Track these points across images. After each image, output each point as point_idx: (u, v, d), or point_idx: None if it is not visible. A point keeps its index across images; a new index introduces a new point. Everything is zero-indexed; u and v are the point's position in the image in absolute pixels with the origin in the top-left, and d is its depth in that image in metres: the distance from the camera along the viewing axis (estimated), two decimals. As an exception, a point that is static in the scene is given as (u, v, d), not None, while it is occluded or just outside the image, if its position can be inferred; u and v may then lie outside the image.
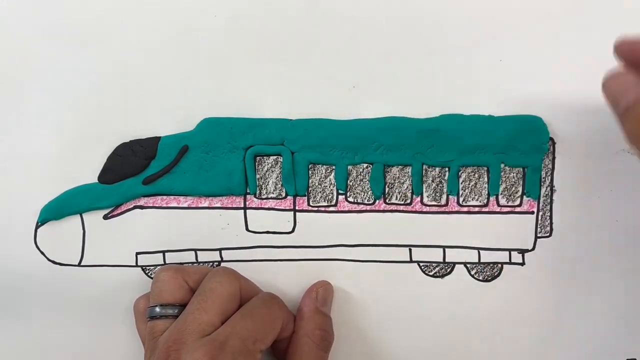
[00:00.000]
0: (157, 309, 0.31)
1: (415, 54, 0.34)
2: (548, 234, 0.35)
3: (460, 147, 0.34)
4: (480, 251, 0.35)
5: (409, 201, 0.35)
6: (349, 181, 0.35)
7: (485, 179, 0.35)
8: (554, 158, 0.34)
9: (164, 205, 0.35)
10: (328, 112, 0.34)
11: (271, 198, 0.35)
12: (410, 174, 0.35)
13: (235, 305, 0.31)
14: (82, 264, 0.35)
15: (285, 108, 0.35)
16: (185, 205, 0.35)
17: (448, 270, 0.35)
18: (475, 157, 0.34)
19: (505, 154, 0.34)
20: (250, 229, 0.35)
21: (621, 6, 0.33)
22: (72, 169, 0.35)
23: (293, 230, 0.35)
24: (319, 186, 0.35)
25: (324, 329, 0.33)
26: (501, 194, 0.35)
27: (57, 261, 0.36)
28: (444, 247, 0.35)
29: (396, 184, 0.35)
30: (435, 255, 0.35)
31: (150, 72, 0.34)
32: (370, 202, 0.35)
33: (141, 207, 0.35)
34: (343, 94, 0.34)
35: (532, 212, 0.35)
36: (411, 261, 0.35)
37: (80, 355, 0.37)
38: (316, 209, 0.35)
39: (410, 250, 0.35)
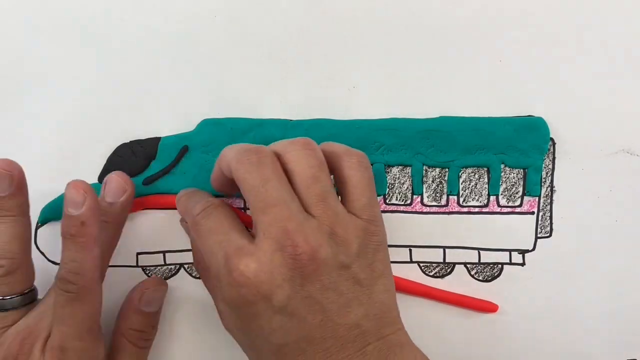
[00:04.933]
0: None
1: (415, 54, 0.34)
2: (548, 234, 0.35)
3: (461, 148, 0.34)
4: (480, 251, 0.35)
5: (409, 201, 0.35)
6: (349, 181, 0.35)
7: (486, 180, 0.35)
8: (554, 158, 0.34)
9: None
10: (328, 112, 0.34)
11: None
12: (410, 174, 0.35)
13: None
14: (82, 264, 0.35)
15: (285, 108, 0.35)
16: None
17: (448, 270, 0.35)
18: (475, 158, 0.34)
19: (505, 155, 0.34)
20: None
21: (621, 6, 0.33)
22: (72, 169, 0.35)
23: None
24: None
25: (139, 330, 0.33)
26: (501, 194, 0.35)
27: (57, 261, 0.35)
28: (444, 248, 0.35)
29: (396, 184, 0.35)
30: (436, 255, 0.35)
31: (150, 72, 0.34)
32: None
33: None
34: (343, 94, 0.35)
35: (532, 213, 0.35)
36: (411, 261, 0.35)
37: (80, 356, 0.37)
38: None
39: (410, 250, 0.35)
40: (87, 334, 0.30)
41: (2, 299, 0.30)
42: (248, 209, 0.35)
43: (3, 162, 0.29)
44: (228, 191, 0.32)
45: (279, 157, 0.28)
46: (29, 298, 0.31)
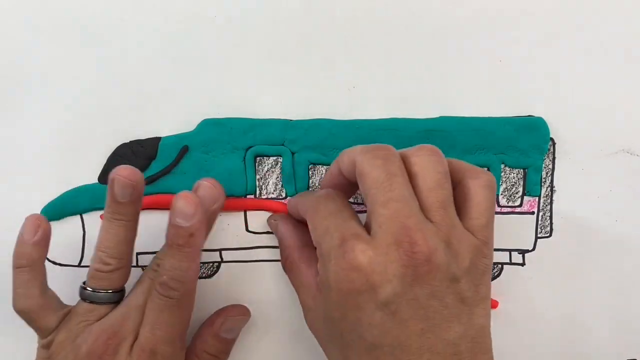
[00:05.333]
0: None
1: (415, 54, 0.34)
2: (548, 234, 0.35)
3: (461, 148, 0.34)
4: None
5: (409, 201, 0.35)
6: (349, 181, 0.35)
7: (486, 179, 0.35)
8: (554, 158, 0.34)
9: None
10: (328, 112, 0.34)
11: (271, 198, 0.35)
12: (410, 174, 0.35)
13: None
14: (82, 264, 0.35)
15: (285, 108, 0.35)
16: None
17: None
18: (475, 158, 0.34)
19: (505, 155, 0.34)
20: (250, 229, 0.35)
21: (621, 6, 0.33)
22: (72, 169, 0.35)
23: (293, 231, 0.35)
24: (319, 186, 0.35)
25: (213, 354, 0.33)
26: (501, 194, 0.35)
27: (57, 261, 0.36)
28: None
29: (396, 184, 0.35)
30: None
31: (150, 72, 0.34)
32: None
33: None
34: (343, 94, 0.35)
35: (532, 213, 0.35)
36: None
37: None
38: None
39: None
40: (177, 341, 0.30)
41: (100, 292, 0.31)
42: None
43: (128, 171, 0.29)
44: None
45: (404, 159, 0.28)
46: (119, 297, 0.31)
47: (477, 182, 0.28)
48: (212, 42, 0.34)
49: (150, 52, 0.34)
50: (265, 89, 0.34)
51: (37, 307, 0.31)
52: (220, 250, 0.35)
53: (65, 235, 0.35)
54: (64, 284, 0.36)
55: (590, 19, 0.34)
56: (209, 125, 0.34)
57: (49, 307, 0.31)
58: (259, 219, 0.35)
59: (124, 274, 0.31)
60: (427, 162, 0.28)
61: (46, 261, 0.35)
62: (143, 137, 0.35)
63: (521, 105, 0.34)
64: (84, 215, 0.35)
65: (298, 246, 0.32)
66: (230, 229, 0.35)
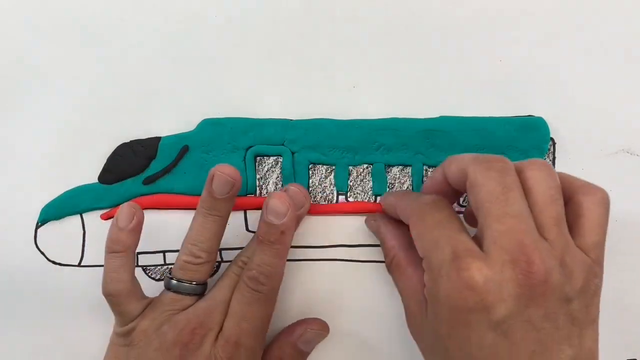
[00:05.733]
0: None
1: (415, 54, 0.34)
2: (548, 234, 0.35)
3: (461, 148, 0.34)
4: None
5: (409, 201, 0.35)
6: (349, 181, 0.35)
7: (486, 179, 0.35)
8: (554, 158, 0.34)
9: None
10: (328, 112, 0.34)
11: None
12: (410, 174, 0.35)
13: None
14: (82, 264, 0.35)
15: (285, 108, 0.35)
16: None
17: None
18: (475, 157, 0.34)
19: (505, 154, 0.34)
20: (250, 229, 0.35)
21: (621, 6, 0.33)
22: (72, 169, 0.35)
23: (293, 231, 0.35)
24: (319, 186, 0.35)
25: None
26: (501, 194, 0.35)
27: (57, 261, 0.36)
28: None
29: (396, 184, 0.35)
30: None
31: (150, 72, 0.34)
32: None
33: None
34: (343, 94, 0.35)
35: (532, 212, 0.35)
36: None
37: (80, 355, 0.36)
38: (316, 209, 0.35)
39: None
40: (260, 335, 0.31)
41: (186, 283, 0.32)
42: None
43: (229, 169, 0.31)
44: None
45: (517, 172, 0.27)
46: (202, 289, 0.32)
47: (591, 199, 0.27)
48: (212, 42, 0.34)
49: (150, 52, 0.34)
50: (265, 89, 0.34)
51: (125, 292, 0.31)
52: (220, 250, 0.35)
53: (65, 235, 0.35)
54: (64, 284, 0.36)
55: (590, 19, 0.34)
56: (209, 125, 0.34)
57: (135, 294, 0.32)
58: (259, 219, 0.35)
59: (210, 267, 0.32)
60: (542, 176, 0.27)
61: (45, 261, 0.35)
62: (143, 137, 0.35)
63: (521, 105, 0.34)
64: (84, 215, 0.35)
65: (404, 247, 0.32)
66: (230, 229, 0.35)
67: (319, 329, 0.34)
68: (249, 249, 0.33)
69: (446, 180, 0.29)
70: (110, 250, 0.32)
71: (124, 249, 0.32)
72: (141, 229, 0.32)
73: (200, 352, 0.30)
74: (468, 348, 0.25)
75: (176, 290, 0.32)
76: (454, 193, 0.30)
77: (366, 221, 0.35)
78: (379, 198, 0.35)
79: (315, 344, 0.35)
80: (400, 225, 0.32)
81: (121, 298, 0.31)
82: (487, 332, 0.25)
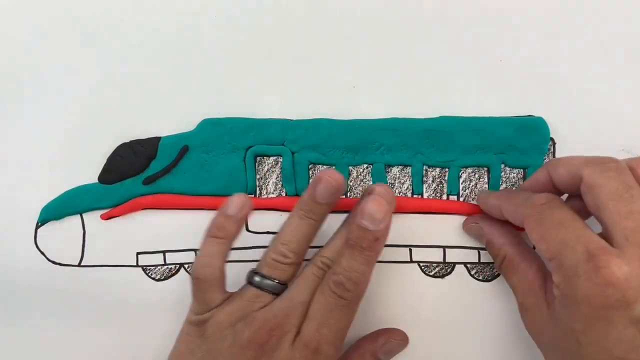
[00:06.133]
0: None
1: (415, 54, 0.34)
2: (548, 234, 0.35)
3: (461, 148, 0.34)
4: (480, 251, 0.35)
5: (409, 201, 0.35)
6: (349, 181, 0.35)
7: (486, 179, 0.35)
8: (554, 158, 0.34)
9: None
10: (328, 112, 0.35)
11: (271, 198, 0.35)
12: (410, 174, 0.35)
13: None
14: (82, 264, 0.36)
15: (285, 108, 0.35)
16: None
17: (448, 270, 0.35)
18: (475, 158, 0.34)
19: (505, 154, 0.34)
20: (250, 229, 0.35)
21: (621, 6, 0.33)
22: (72, 169, 0.35)
23: (293, 231, 0.35)
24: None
25: None
26: (501, 194, 0.35)
27: (57, 261, 0.36)
28: (444, 247, 0.35)
29: (396, 184, 0.35)
30: (436, 255, 0.35)
31: (151, 72, 0.34)
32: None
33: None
34: (343, 94, 0.35)
35: (532, 212, 0.35)
36: (411, 261, 0.35)
37: (80, 355, 0.37)
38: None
39: (410, 250, 0.35)
40: (340, 343, 0.30)
41: (269, 280, 0.31)
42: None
43: (337, 176, 0.30)
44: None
45: (631, 170, 0.28)
46: (283, 289, 0.31)
47: None
48: (212, 42, 0.34)
49: (150, 52, 0.34)
50: (265, 89, 0.35)
51: (213, 279, 0.31)
52: (220, 250, 0.35)
53: (65, 235, 0.35)
54: (64, 284, 0.36)
55: (590, 19, 0.34)
56: (209, 125, 0.34)
57: (221, 284, 0.31)
58: (259, 219, 0.35)
59: (296, 269, 0.31)
60: None
61: (45, 261, 0.35)
62: (143, 137, 0.35)
63: (521, 105, 0.34)
64: (84, 215, 0.35)
65: (512, 244, 0.32)
66: (230, 229, 0.35)
67: (401, 339, 0.34)
68: (330, 249, 0.31)
69: (551, 182, 0.29)
70: (211, 235, 0.31)
71: (225, 237, 0.31)
72: (245, 220, 0.32)
73: (276, 355, 0.29)
74: (606, 343, 0.26)
75: (258, 286, 0.31)
76: (557, 194, 0.30)
77: (465, 225, 0.34)
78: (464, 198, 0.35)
79: (394, 355, 0.34)
80: (504, 223, 0.32)
81: (207, 285, 0.31)
82: (627, 328, 0.25)
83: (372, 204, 0.29)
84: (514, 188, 0.35)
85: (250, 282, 0.31)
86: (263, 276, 0.31)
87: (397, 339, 0.34)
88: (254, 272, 0.31)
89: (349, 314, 0.30)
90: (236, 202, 0.31)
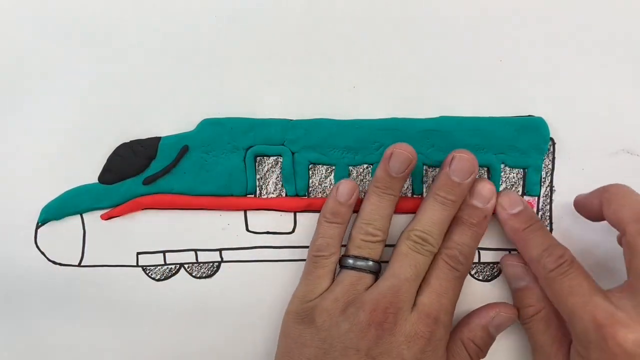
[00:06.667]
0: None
1: (415, 54, 0.34)
2: (548, 234, 0.35)
3: (461, 148, 0.34)
4: (480, 251, 0.35)
5: (409, 201, 0.35)
6: (349, 181, 0.35)
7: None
8: (554, 158, 0.34)
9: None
10: (328, 112, 0.35)
11: (271, 198, 0.35)
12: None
13: None
14: (82, 264, 0.36)
15: (285, 108, 0.35)
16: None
17: (448, 270, 0.35)
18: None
19: (505, 154, 0.34)
20: (250, 229, 0.35)
21: (621, 6, 0.33)
22: (72, 169, 0.35)
23: (293, 231, 0.35)
24: (319, 186, 0.35)
25: (479, 346, 0.33)
26: (501, 194, 0.35)
27: (57, 261, 0.36)
28: (444, 247, 0.35)
29: (396, 184, 0.35)
30: (436, 255, 0.35)
31: (151, 72, 0.34)
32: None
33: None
34: (343, 94, 0.35)
35: (532, 212, 0.35)
36: (411, 261, 0.35)
37: (80, 355, 0.37)
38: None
39: (410, 250, 0.35)
40: (452, 314, 0.32)
41: (363, 260, 0.32)
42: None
43: (406, 147, 0.32)
44: (589, 216, 0.33)
45: None
46: (379, 268, 0.33)
47: None
48: (212, 42, 0.34)
49: (150, 52, 0.34)
50: (265, 89, 0.35)
51: (334, 261, 0.33)
52: (220, 250, 0.36)
53: (65, 235, 0.35)
54: (64, 284, 0.36)
55: (590, 19, 0.34)
56: (209, 125, 0.34)
57: (334, 269, 0.33)
58: (259, 219, 0.35)
59: (383, 246, 0.33)
60: None
61: (45, 260, 0.35)
62: (143, 137, 0.35)
63: (521, 105, 0.34)
64: (84, 215, 0.35)
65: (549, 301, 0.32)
66: (230, 229, 0.35)
67: (511, 313, 0.34)
68: (421, 222, 0.32)
69: (601, 210, 0.31)
70: (328, 220, 0.33)
71: (341, 221, 0.33)
72: (355, 205, 0.33)
73: (397, 330, 0.30)
74: None
75: (353, 267, 0.32)
76: (597, 215, 0.31)
77: (507, 260, 0.34)
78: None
79: (504, 329, 0.34)
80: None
81: (327, 268, 0.32)
82: None
83: (483, 184, 0.32)
84: (513, 188, 0.35)
85: (344, 266, 0.32)
86: (356, 257, 0.32)
87: (507, 312, 0.34)
88: (345, 256, 0.32)
89: (460, 285, 0.33)
90: (347, 187, 0.33)
